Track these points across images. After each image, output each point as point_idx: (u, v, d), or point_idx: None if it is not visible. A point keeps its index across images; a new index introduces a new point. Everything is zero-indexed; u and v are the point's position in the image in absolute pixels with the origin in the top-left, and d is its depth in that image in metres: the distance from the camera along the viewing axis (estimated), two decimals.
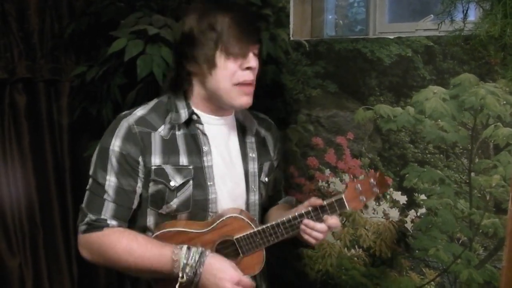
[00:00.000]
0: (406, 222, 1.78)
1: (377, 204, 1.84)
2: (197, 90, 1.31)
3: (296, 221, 1.30)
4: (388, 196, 1.81)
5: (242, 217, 1.32)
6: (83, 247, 1.31)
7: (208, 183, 1.31)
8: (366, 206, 1.83)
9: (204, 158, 1.31)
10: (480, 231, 1.64)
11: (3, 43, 2.10)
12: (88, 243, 1.30)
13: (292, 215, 1.30)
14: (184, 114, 1.30)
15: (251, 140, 1.42)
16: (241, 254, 1.32)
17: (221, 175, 1.34)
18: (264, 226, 1.31)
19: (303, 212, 1.30)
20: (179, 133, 1.30)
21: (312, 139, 1.97)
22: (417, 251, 1.77)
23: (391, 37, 1.76)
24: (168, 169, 1.28)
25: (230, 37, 1.23)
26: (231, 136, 1.39)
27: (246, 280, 1.25)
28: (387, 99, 1.78)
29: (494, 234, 1.61)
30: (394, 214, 1.80)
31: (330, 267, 1.98)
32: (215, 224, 1.31)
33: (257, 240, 1.31)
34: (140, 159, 1.26)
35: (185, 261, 1.21)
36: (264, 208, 1.51)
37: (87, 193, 1.31)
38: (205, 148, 1.31)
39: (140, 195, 1.31)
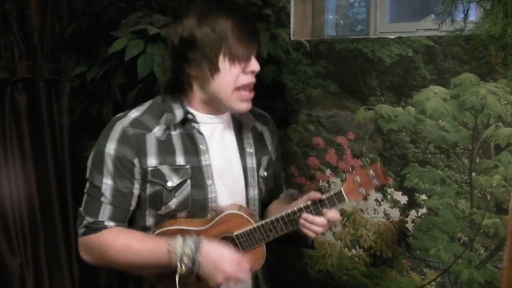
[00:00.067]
0: (407, 222, 1.78)
1: (377, 204, 1.84)
2: (196, 93, 1.30)
3: (295, 216, 1.29)
4: (388, 196, 1.81)
5: (241, 213, 1.32)
6: (83, 250, 1.32)
7: (207, 182, 1.31)
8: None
9: (202, 157, 1.31)
10: (481, 231, 1.64)
11: (3, 43, 2.11)
12: (87, 246, 1.30)
13: (291, 209, 1.29)
14: (179, 114, 1.29)
15: (248, 135, 1.41)
16: (241, 251, 1.32)
17: (220, 173, 1.34)
18: (263, 222, 1.30)
19: (302, 206, 1.28)
20: (175, 133, 1.30)
21: (312, 139, 1.97)
22: (418, 251, 1.77)
23: (392, 37, 1.76)
24: (165, 169, 1.27)
25: (234, 41, 1.22)
26: (228, 133, 1.38)
27: (245, 262, 1.24)
28: (387, 99, 1.78)
29: (495, 234, 1.61)
30: (395, 214, 1.80)
31: (331, 267, 1.98)
32: (214, 221, 1.30)
33: (257, 236, 1.31)
34: (135, 161, 1.26)
35: (181, 251, 1.21)
36: (265, 203, 1.51)
37: (84, 196, 1.32)
38: (202, 147, 1.31)
39: (139, 197, 1.31)
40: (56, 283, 2.35)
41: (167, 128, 1.29)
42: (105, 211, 1.28)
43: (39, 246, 2.29)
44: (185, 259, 1.20)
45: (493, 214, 1.61)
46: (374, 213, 1.84)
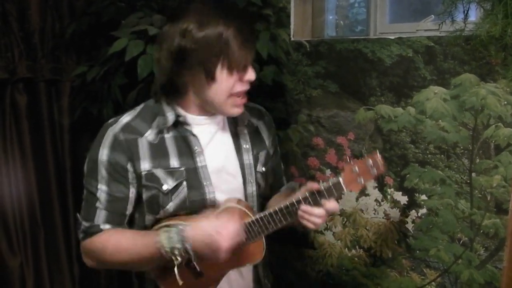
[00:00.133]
0: (407, 223, 1.78)
1: (378, 204, 1.84)
2: (190, 97, 1.29)
3: (293, 207, 1.28)
4: (389, 197, 1.81)
5: (240, 206, 1.32)
6: (84, 254, 1.33)
7: (204, 183, 1.30)
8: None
9: (197, 159, 1.30)
10: (481, 231, 1.64)
11: (3, 43, 2.11)
12: (87, 250, 1.31)
13: (289, 201, 1.28)
14: (171, 117, 1.28)
15: (243, 131, 1.40)
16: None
17: (217, 172, 1.33)
18: (262, 214, 1.29)
19: (300, 197, 1.27)
20: (168, 136, 1.29)
21: (312, 139, 1.97)
22: (418, 252, 1.77)
23: (392, 37, 1.76)
24: (159, 173, 1.27)
25: (234, 53, 1.20)
26: (222, 131, 1.38)
27: (232, 225, 1.23)
28: (388, 99, 1.78)
29: (495, 234, 1.61)
30: (395, 214, 1.80)
31: (331, 267, 1.98)
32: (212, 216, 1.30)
33: (256, 228, 1.30)
34: (128, 166, 1.26)
35: (169, 245, 1.20)
36: (267, 197, 1.50)
37: (82, 202, 1.32)
38: (196, 149, 1.30)
39: (137, 202, 1.31)
40: (56, 283, 2.35)
41: (160, 132, 1.29)
42: (100, 216, 1.28)
43: (39, 246, 2.29)
44: (176, 252, 1.20)
45: (493, 214, 1.61)
46: (374, 213, 1.85)
